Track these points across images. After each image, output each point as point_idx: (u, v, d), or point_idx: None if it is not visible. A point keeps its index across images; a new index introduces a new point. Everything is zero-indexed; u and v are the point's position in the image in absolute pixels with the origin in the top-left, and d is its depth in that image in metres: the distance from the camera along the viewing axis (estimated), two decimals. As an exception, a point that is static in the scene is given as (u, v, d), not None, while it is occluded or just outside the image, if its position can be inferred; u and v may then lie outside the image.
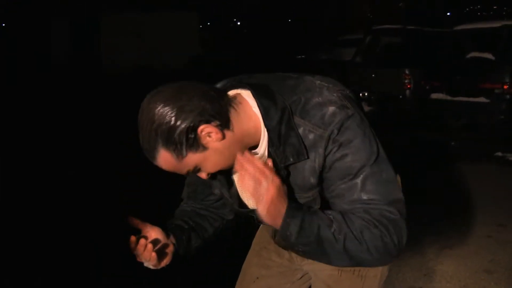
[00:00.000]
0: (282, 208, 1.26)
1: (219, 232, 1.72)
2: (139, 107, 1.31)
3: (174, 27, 20.66)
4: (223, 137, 1.30)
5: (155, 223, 1.55)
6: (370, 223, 1.27)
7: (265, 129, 1.35)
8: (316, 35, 21.74)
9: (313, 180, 1.36)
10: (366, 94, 9.18)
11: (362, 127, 1.33)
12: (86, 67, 20.10)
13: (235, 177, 1.49)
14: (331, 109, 1.31)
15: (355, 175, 1.31)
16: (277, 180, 1.26)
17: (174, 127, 1.25)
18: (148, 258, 1.45)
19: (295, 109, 1.34)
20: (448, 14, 31.30)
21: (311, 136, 1.32)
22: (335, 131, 1.30)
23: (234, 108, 1.33)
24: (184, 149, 1.28)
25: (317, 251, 1.29)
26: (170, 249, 1.55)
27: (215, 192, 1.60)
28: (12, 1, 25.06)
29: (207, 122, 1.27)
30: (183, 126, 1.25)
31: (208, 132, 1.28)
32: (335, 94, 1.35)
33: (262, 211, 1.26)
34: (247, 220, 1.54)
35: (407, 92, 8.80)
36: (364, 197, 1.30)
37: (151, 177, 1.40)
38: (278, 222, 1.27)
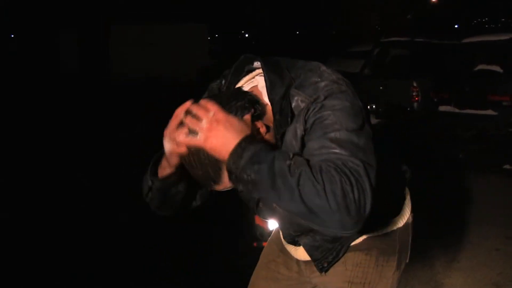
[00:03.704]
0: (236, 135, 1.20)
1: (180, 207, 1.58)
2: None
3: (183, 38, 20.72)
4: (268, 129, 1.33)
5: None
6: (331, 166, 1.16)
7: (268, 102, 1.37)
8: (324, 47, 21.78)
9: (294, 142, 1.33)
10: (374, 106, 9.17)
11: (351, 101, 1.31)
12: (95, 78, 20.19)
13: None
14: (325, 82, 1.33)
15: (329, 132, 1.24)
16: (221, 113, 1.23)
17: None
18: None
19: (294, 83, 1.36)
20: (456, 26, 31.29)
21: (302, 105, 1.32)
22: (321, 96, 1.30)
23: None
24: None
25: (267, 182, 1.14)
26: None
27: None
28: (21, 12, 25.29)
29: (255, 121, 1.31)
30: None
31: (257, 130, 1.31)
32: (334, 76, 1.37)
33: (205, 141, 1.20)
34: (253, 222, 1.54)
35: (415, 104, 8.77)
36: (334, 149, 1.21)
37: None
38: (229, 147, 1.19)
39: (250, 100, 1.34)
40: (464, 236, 4.42)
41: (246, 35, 41.57)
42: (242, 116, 1.28)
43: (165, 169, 1.42)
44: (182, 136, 1.23)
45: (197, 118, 1.22)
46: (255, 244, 2.31)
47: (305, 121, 1.30)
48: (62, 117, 11.76)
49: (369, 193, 1.15)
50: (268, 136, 1.34)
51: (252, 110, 1.31)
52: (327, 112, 1.27)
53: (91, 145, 8.63)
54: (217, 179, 1.30)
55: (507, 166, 6.56)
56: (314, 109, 1.29)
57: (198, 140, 1.21)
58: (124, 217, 4.90)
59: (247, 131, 1.23)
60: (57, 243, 4.43)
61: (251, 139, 1.21)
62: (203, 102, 1.26)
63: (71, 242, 4.43)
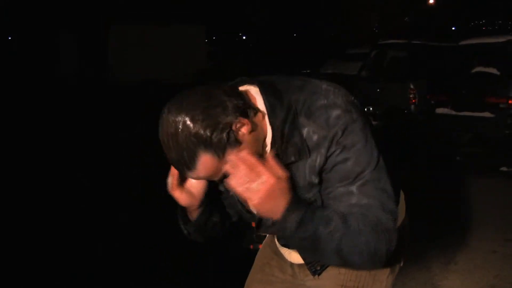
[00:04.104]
0: (283, 200, 1.26)
1: (226, 231, 1.68)
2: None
3: (181, 40, 20.69)
4: (253, 128, 1.32)
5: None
6: (367, 227, 1.28)
7: (270, 127, 1.37)
8: (322, 49, 21.79)
9: (314, 178, 1.36)
10: (371, 108, 9.18)
11: (365, 132, 1.35)
12: (94, 78, 20.18)
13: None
14: (336, 112, 1.33)
15: (355, 179, 1.32)
16: (277, 172, 1.26)
17: (212, 127, 1.25)
18: (193, 188, 1.47)
19: (300, 110, 1.36)
20: (453, 28, 31.37)
21: (315, 137, 1.33)
22: (339, 133, 1.32)
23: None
24: (223, 148, 1.28)
25: (311, 247, 1.30)
26: (194, 195, 1.51)
27: (220, 189, 1.58)
28: (20, 12, 25.27)
29: (240, 116, 1.29)
30: (220, 124, 1.26)
31: (241, 125, 1.29)
32: (340, 98, 1.37)
33: (256, 206, 1.25)
34: (249, 224, 1.56)
35: (413, 106, 8.80)
36: (363, 201, 1.31)
37: (155, 182, 1.42)
38: (277, 215, 1.27)
39: (243, 102, 1.33)
40: (462, 238, 4.42)
41: (244, 37, 41.58)
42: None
43: (193, 213, 1.53)
44: (240, 187, 1.25)
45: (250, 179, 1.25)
46: (251, 246, 2.31)
47: (326, 160, 1.34)
48: (62, 117, 11.79)
49: (395, 242, 1.33)
50: (251, 137, 1.33)
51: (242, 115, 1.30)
52: (347, 155, 1.32)
53: (91, 145, 8.66)
54: (191, 165, 1.29)
55: (504, 168, 6.58)
56: (335, 151, 1.32)
57: (250, 199, 1.25)
58: (124, 217, 4.91)
59: (289, 197, 1.27)
60: (57, 243, 4.43)
61: (293, 207, 1.27)
62: (254, 162, 1.26)
63: (71, 242, 4.43)
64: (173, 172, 1.43)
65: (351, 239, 1.27)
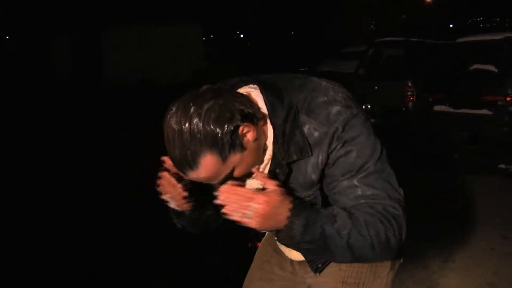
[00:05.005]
0: (284, 211, 1.25)
1: (221, 221, 1.65)
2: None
3: (178, 40, 20.68)
4: (258, 137, 1.32)
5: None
6: (376, 218, 1.29)
7: (271, 126, 1.36)
8: (319, 48, 21.79)
9: (314, 176, 1.37)
10: (368, 106, 9.19)
11: (366, 126, 1.36)
12: (89, 80, 20.16)
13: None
14: (336, 108, 1.34)
15: (358, 171, 1.33)
16: (269, 186, 1.26)
17: (220, 128, 1.25)
18: (170, 193, 1.47)
19: (301, 108, 1.36)
20: (451, 26, 31.40)
21: (316, 134, 1.33)
22: (340, 128, 1.32)
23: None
24: (227, 150, 1.27)
25: (321, 248, 1.29)
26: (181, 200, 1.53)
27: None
28: (16, 14, 25.25)
29: (246, 122, 1.29)
30: (228, 126, 1.25)
31: (248, 130, 1.29)
32: (340, 95, 1.38)
33: (259, 228, 1.25)
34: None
35: (410, 104, 8.80)
36: (368, 192, 1.32)
37: (155, 181, 1.42)
38: (281, 225, 1.26)
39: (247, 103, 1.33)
40: (459, 236, 4.42)
41: (241, 36, 41.56)
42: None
43: (184, 205, 1.53)
44: (235, 215, 1.25)
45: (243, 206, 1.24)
46: (249, 244, 2.31)
47: (328, 156, 1.34)
48: (61, 118, 11.80)
49: (405, 227, 1.33)
50: (255, 144, 1.33)
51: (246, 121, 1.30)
52: (349, 148, 1.33)
53: (91, 145, 8.66)
54: (193, 164, 1.28)
55: (502, 166, 6.57)
56: (337, 146, 1.33)
57: (250, 225, 1.25)
58: (124, 217, 4.91)
59: (289, 205, 1.26)
60: (57, 243, 4.43)
61: (296, 213, 1.26)
62: (236, 191, 1.26)
63: (71, 242, 4.44)
64: (164, 177, 1.45)
65: (360, 233, 1.27)
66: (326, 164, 1.35)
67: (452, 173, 6.56)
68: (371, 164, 1.33)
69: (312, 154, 1.34)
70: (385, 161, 1.37)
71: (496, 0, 31.29)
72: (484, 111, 7.12)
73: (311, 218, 1.27)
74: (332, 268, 1.64)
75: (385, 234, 1.28)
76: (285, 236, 1.28)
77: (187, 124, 1.24)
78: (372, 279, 1.66)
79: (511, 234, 4.46)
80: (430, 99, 7.97)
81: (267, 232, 1.95)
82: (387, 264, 1.68)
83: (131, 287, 3.71)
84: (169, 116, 1.28)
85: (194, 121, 1.24)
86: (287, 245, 1.34)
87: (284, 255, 1.77)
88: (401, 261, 1.74)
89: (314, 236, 1.26)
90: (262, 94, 1.37)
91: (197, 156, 1.26)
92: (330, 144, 1.32)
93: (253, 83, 1.43)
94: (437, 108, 7.84)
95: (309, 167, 1.36)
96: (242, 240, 1.88)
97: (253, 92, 1.41)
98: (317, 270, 1.63)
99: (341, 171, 1.34)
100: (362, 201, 1.32)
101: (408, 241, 1.77)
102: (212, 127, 1.24)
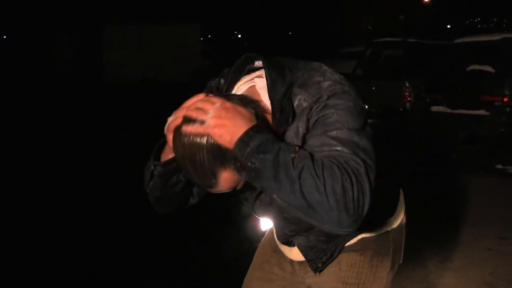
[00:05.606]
0: (245, 122, 1.22)
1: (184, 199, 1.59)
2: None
3: (176, 39, 20.69)
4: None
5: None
6: (333, 162, 1.17)
7: (269, 101, 1.36)
8: (318, 48, 21.80)
9: (296, 141, 1.32)
10: (366, 106, 9.20)
11: (354, 102, 1.31)
12: (89, 78, 20.17)
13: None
14: (328, 82, 1.33)
15: (331, 130, 1.25)
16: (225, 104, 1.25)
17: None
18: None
19: (296, 82, 1.36)
20: (449, 26, 31.43)
21: (305, 104, 1.32)
22: (325, 96, 1.30)
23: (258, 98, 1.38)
24: None
25: (270, 172, 1.16)
26: None
27: None
28: (16, 12, 25.21)
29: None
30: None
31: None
32: (337, 76, 1.37)
33: (216, 132, 1.21)
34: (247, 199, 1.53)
35: (408, 104, 8.82)
36: (336, 147, 1.23)
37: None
38: (237, 135, 1.20)
39: (249, 99, 1.34)
40: (457, 236, 4.44)
41: (239, 36, 41.56)
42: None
43: (168, 155, 1.42)
44: (189, 127, 1.23)
45: (204, 110, 1.23)
46: (257, 244, 2.32)
47: (308, 120, 1.31)
48: (61, 117, 11.79)
49: (367, 193, 1.16)
50: None
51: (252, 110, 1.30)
52: (329, 110, 1.28)
53: (91, 145, 8.66)
54: (213, 184, 1.28)
55: (499, 166, 6.59)
56: (317, 108, 1.29)
57: (206, 127, 1.21)
58: (124, 217, 4.91)
59: (254, 121, 1.24)
60: (57, 243, 4.43)
61: (258, 129, 1.22)
62: (207, 96, 1.27)
63: (71, 242, 4.44)
64: (177, 115, 1.32)
65: (315, 170, 1.14)
66: (307, 129, 1.31)
67: (450, 173, 6.58)
68: (349, 131, 1.25)
69: (294, 121, 1.33)
70: (369, 138, 1.29)
71: (494, 1, 31.33)
72: (482, 112, 7.12)
73: (271, 137, 1.20)
74: (332, 268, 1.65)
75: (341, 181, 1.13)
76: (239, 144, 1.20)
77: (195, 150, 1.23)
78: (372, 279, 1.67)
79: (509, 234, 4.48)
80: (428, 100, 7.98)
81: (267, 232, 1.96)
82: (387, 264, 1.69)
83: (131, 287, 3.71)
84: (175, 143, 1.27)
85: (202, 144, 1.23)
86: (235, 159, 1.22)
87: (284, 255, 1.78)
88: (401, 261, 1.75)
89: (266, 155, 1.17)
90: (264, 69, 1.37)
91: (213, 176, 1.26)
92: (310, 108, 1.30)
93: (258, 58, 1.43)
94: (435, 108, 7.84)
95: (292, 131, 1.33)
96: (242, 240, 1.89)
97: (258, 83, 1.42)
98: (317, 270, 1.64)
99: (317, 131, 1.28)
100: (325, 148, 1.23)
101: (406, 241, 1.79)
102: (219, 145, 1.22)
